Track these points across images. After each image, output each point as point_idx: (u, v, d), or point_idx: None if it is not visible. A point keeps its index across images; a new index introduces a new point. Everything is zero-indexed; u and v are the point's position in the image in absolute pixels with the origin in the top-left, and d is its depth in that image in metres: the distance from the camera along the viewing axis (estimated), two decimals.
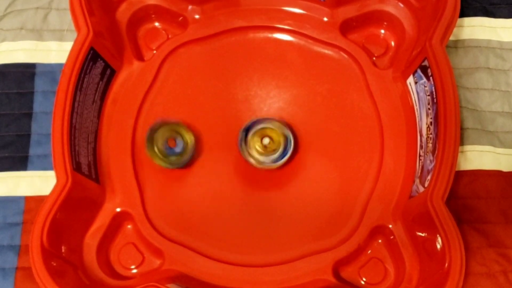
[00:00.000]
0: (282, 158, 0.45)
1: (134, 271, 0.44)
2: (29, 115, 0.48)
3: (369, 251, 0.44)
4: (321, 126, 0.47)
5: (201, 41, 0.49)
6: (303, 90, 0.48)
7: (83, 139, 0.44)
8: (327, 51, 0.49)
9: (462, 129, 0.47)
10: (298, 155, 0.46)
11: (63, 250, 0.41)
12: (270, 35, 0.50)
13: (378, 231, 0.44)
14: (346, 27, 0.49)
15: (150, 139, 0.44)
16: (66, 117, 0.42)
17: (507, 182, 0.46)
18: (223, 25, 0.49)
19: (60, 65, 0.48)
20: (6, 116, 0.48)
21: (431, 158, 0.42)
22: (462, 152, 0.47)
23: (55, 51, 0.50)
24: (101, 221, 0.44)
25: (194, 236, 0.44)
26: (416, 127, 0.45)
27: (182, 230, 0.45)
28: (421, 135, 0.44)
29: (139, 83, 0.48)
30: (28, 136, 0.48)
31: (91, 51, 0.44)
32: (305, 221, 0.45)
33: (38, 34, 0.50)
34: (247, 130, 0.45)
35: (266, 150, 0.45)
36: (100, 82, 0.46)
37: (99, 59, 0.45)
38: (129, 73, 0.48)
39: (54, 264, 0.40)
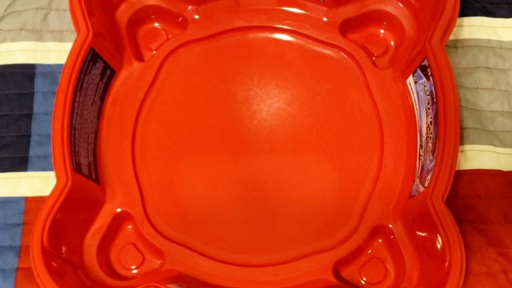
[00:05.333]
0: None
1: (135, 271, 0.44)
2: (29, 116, 0.48)
3: (369, 251, 0.44)
4: (321, 126, 0.47)
5: (201, 41, 0.49)
6: (303, 90, 0.48)
7: (83, 140, 0.44)
8: (326, 51, 0.49)
9: (462, 128, 0.47)
10: (298, 154, 0.46)
11: (63, 251, 0.41)
12: (270, 35, 0.50)
13: (378, 230, 0.44)
14: (345, 27, 0.49)
15: None
16: (66, 118, 0.42)
17: (507, 181, 0.46)
18: (223, 25, 0.49)
19: (60, 65, 0.48)
20: (6, 117, 0.48)
21: (431, 157, 0.42)
22: (462, 151, 0.47)
23: (55, 51, 0.50)
24: (101, 221, 0.44)
25: (194, 236, 0.45)
26: (416, 127, 0.45)
27: (182, 230, 0.45)
28: (421, 135, 0.44)
29: (139, 83, 0.48)
30: (28, 136, 0.48)
31: (91, 52, 0.44)
32: (305, 221, 0.45)
33: (38, 34, 0.50)
34: None
35: None
36: (100, 83, 0.46)
37: (99, 60, 0.45)
38: (129, 74, 0.48)
39: (55, 265, 0.40)
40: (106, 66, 0.46)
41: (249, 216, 0.45)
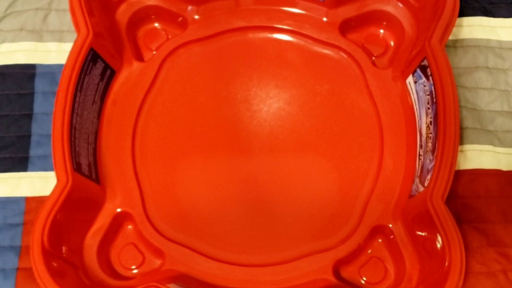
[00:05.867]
0: None
1: (135, 271, 0.44)
2: (29, 116, 0.48)
3: (369, 251, 0.44)
4: (321, 126, 0.47)
5: (201, 41, 0.49)
6: (303, 90, 0.48)
7: (83, 140, 0.44)
8: (326, 51, 0.49)
9: (461, 128, 0.47)
10: (298, 155, 0.47)
11: (63, 251, 0.41)
12: (269, 35, 0.50)
13: (378, 230, 0.44)
14: (345, 27, 0.49)
15: None
16: (66, 118, 0.42)
17: (507, 181, 0.46)
18: (223, 26, 0.49)
19: (60, 66, 0.48)
20: (6, 117, 0.48)
21: (431, 157, 0.42)
22: (461, 151, 0.47)
23: (55, 52, 0.50)
24: (102, 221, 0.44)
25: (194, 236, 0.45)
26: (416, 127, 0.45)
27: (182, 230, 0.45)
28: (420, 135, 0.45)
29: (139, 83, 0.48)
30: (28, 137, 0.48)
31: (91, 52, 0.44)
32: (305, 221, 0.45)
33: (38, 35, 0.50)
34: None
35: None
36: (100, 83, 0.46)
37: (99, 60, 0.45)
38: (129, 74, 0.48)
39: (55, 265, 0.40)
40: (106, 66, 0.46)
41: (249, 216, 0.45)
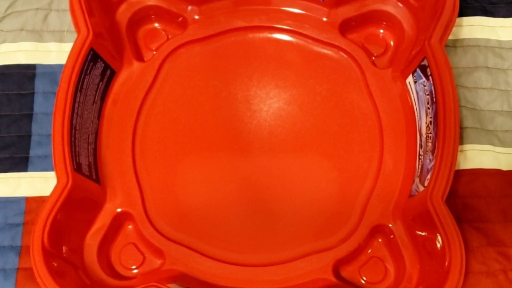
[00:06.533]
0: None
1: (135, 271, 0.44)
2: (29, 116, 0.48)
3: (369, 250, 0.44)
4: (321, 125, 0.47)
5: (201, 41, 0.49)
6: (303, 90, 0.48)
7: (83, 140, 0.44)
8: (326, 51, 0.49)
9: (461, 128, 0.47)
10: (298, 154, 0.47)
11: (64, 251, 0.41)
12: (269, 35, 0.50)
13: (378, 230, 0.44)
14: (345, 27, 0.49)
15: None
16: (67, 118, 0.42)
17: (507, 181, 0.46)
18: (223, 26, 0.49)
19: (60, 66, 0.49)
20: (7, 117, 0.48)
21: (431, 157, 0.42)
22: (461, 151, 0.47)
23: (55, 52, 0.50)
24: (102, 221, 0.44)
25: (194, 236, 0.45)
26: (416, 126, 0.45)
27: (182, 230, 0.45)
28: (420, 134, 0.45)
29: (139, 83, 0.48)
30: (29, 137, 0.48)
31: (91, 52, 0.44)
32: (305, 220, 0.45)
33: (38, 35, 0.51)
34: None
35: None
36: (100, 83, 0.46)
37: (99, 60, 0.45)
38: (129, 74, 0.48)
39: (55, 265, 0.40)
40: (106, 66, 0.46)
41: (249, 216, 0.45)
